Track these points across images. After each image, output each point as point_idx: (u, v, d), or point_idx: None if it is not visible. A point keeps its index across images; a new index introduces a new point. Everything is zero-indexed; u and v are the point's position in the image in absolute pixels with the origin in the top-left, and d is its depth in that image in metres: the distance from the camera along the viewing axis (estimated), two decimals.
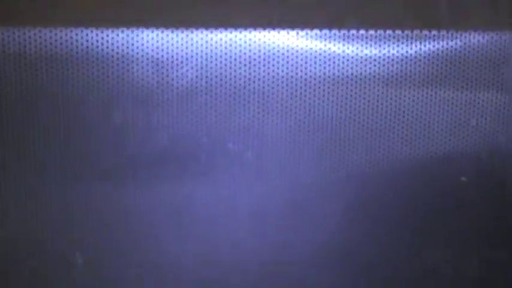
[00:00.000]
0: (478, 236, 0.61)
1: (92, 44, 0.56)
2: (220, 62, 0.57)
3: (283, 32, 0.57)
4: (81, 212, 0.58)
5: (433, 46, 0.58)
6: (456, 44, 0.58)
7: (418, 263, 0.61)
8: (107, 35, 0.56)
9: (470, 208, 0.60)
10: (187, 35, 0.57)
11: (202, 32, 0.57)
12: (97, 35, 0.56)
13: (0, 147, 0.57)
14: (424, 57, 0.58)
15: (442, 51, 0.58)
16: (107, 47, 0.57)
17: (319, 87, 0.58)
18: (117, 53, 0.57)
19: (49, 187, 0.58)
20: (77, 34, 0.56)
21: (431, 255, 0.61)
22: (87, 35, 0.56)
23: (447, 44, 0.58)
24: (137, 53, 0.57)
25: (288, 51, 0.57)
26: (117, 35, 0.56)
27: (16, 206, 0.58)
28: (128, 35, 0.57)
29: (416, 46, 0.58)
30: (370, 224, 0.61)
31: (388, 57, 0.58)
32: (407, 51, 0.58)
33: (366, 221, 0.61)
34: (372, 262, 0.61)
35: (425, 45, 0.58)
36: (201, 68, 0.57)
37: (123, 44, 0.57)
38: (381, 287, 0.62)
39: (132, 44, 0.57)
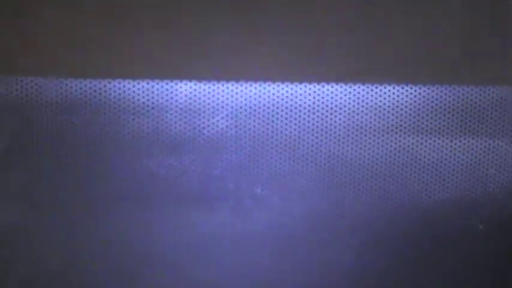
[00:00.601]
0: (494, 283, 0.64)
1: (129, 94, 0.60)
2: (249, 113, 0.60)
3: (310, 86, 0.60)
4: (115, 254, 0.62)
5: (453, 99, 0.61)
6: (474, 96, 0.61)
7: None
8: (143, 86, 0.60)
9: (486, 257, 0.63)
10: (218, 87, 0.60)
11: (232, 85, 0.60)
12: (133, 86, 0.60)
13: (35, 191, 0.61)
14: (445, 109, 0.61)
15: (461, 103, 0.61)
16: (143, 97, 0.60)
17: (342, 137, 0.61)
18: (152, 102, 0.60)
19: (79, 232, 0.62)
20: (114, 85, 0.60)
21: None
22: (124, 86, 0.60)
23: (465, 96, 0.61)
24: (171, 103, 0.60)
25: (314, 102, 0.60)
26: (152, 87, 0.60)
27: (49, 253, 0.62)
28: (162, 86, 0.60)
29: (437, 99, 0.61)
30: (387, 264, 0.64)
31: (409, 108, 0.61)
32: (427, 104, 0.61)
33: (383, 260, 0.64)
34: None
35: (444, 98, 0.61)
36: (231, 118, 0.60)
37: (157, 95, 0.60)
38: None
39: (167, 95, 0.60)
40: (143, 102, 0.60)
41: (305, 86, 0.60)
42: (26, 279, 0.62)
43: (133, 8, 0.59)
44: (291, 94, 0.60)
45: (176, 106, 0.60)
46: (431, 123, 0.61)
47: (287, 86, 0.60)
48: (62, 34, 0.59)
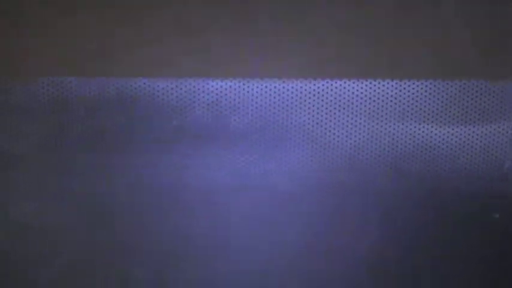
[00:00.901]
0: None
1: (158, 91, 0.63)
2: (273, 108, 0.63)
3: (332, 82, 0.62)
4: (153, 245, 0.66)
5: (469, 93, 0.63)
6: (485, 91, 0.63)
7: None
8: (171, 83, 0.63)
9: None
10: (243, 84, 0.63)
11: (257, 82, 0.62)
12: (162, 83, 0.63)
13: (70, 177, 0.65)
14: (462, 103, 0.63)
15: (473, 98, 0.63)
16: (172, 95, 0.63)
17: (362, 129, 0.63)
18: (180, 99, 0.63)
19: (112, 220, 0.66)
20: (144, 83, 0.63)
21: None
22: (153, 83, 0.63)
23: (478, 91, 0.63)
24: (198, 100, 0.63)
25: (335, 98, 0.63)
26: (181, 83, 0.63)
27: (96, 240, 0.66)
28: (190, 84, 0.63)
29: (455, 93, 0.63)
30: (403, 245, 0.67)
31: (423, 100, 0.63)
32: (442, 96, 0.63)
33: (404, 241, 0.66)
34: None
35: (463, 92, 0.63)
36: (256, 113, 0.63)
37: (185, 92, 0.63)
38: None
39: (194, 92, 0.63)
40: (172, 100, 0.63)
41: (327, 82, 0.62)
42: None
43: (163, 11, 0.62)
44: (314, 90, 0.63)
45: (203, 103, 0.63)
46: (445, 114, 0.63)
47: (310, 83, 0.62)
48: (94, 36, 0.62)
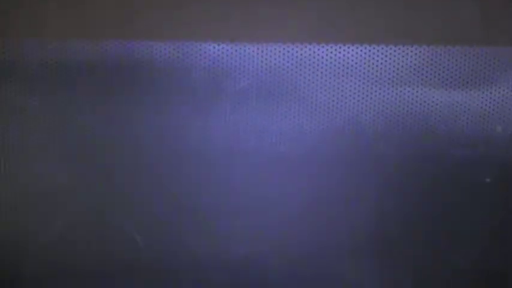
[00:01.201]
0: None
1: (156, 54, 0.63)
2: (270, 72, 0.64)
3: (327, 47, 0.63)
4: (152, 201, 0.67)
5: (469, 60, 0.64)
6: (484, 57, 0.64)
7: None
8: (169, 46, 0.63)
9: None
10: (240, 48, 0.63)
11: (254, 45, 0.63)
12: (160, 46, 0.63)
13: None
14: (459, 67, 0.64)
15: (473, 63, 0.64)
16: (169, 57, 0.63)
17: (358, 94, 0.64)
18: (178, 62, 0.64)
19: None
20: (142, 45, 0.63)
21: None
22: (151, 46, 0.63)
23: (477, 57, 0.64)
24: (196, 63, 0.64)
25: (331, 63, 0.64)
26: (178, 47, 0.63)
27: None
28: (187, 46, 0.63)
29: (460, 59, 0.64)
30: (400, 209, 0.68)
31: (420, 67, 0.64)
32: (441, 63, 0.64)
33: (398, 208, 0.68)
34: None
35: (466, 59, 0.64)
36: (253, 77, 0.64)
37: (183, 55, 0.63)
38: None
39: (192, 55, 0.63)
40: (170, 63, 0.64)
41: (323, 47, 0.63)
42: None
43: None
44: (310, 55, 0.63)
45: (201, 66, 0.64)
46: (443, 81, 0.64)
47: (306, 47, 0.63)
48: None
